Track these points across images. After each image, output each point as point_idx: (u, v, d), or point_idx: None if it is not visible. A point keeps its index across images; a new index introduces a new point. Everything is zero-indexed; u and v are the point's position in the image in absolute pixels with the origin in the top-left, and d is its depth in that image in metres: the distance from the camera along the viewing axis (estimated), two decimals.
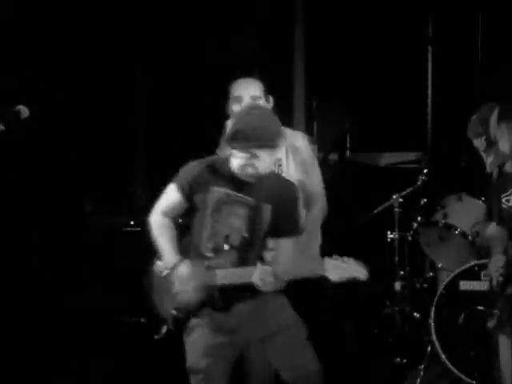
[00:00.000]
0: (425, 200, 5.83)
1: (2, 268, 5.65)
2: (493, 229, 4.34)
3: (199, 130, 6.73)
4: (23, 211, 6.05)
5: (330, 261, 3.62)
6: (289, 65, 7.29)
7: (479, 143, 4.26)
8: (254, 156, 3.76)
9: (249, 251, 3.84)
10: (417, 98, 6.99)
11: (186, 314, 3.87)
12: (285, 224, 3.86)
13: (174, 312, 3.87)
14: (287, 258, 3.83)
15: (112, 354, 5.52)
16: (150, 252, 5.50)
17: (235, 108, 4.37)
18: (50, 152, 6.24)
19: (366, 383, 5.44)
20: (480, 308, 4.35)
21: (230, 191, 3.84)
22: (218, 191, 3.83)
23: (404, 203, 5.75)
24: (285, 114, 4.54)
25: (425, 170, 5.75)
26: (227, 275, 3.79)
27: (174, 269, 3.86)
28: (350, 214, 6.26)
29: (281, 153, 3.98)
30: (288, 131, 4.43)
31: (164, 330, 3.93)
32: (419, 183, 5.72)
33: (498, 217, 4.28)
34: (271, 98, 4.45)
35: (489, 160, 4.22)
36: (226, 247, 3.83)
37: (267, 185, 3.87)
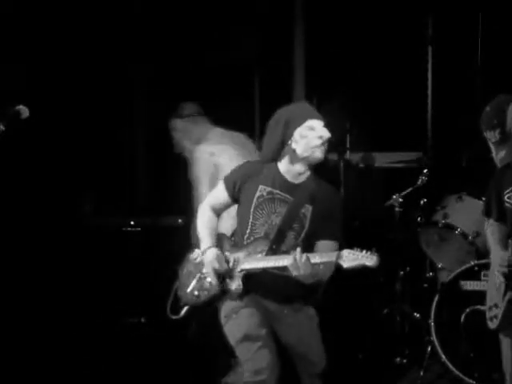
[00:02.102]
0: (425, 200, 5.82)
1: (2, 268, 5.65)
2: (492, 225, 4.27)
3: None
4: (23, 211, 6.04)
5: (346, 250, 3.74)
6: (289, 64, 7.30)
7: (492, 135, 4.13)
8: (311, 128, 3.99)
9: (278, 244, 3.98)
10: (417, 97, 6.98)
11: (207, 299, 4.09)
12: (325, 228, 3.97)
13: (195, 293, 4.10)
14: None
15: (112, 354, 5.52)
16: (150, 252, 5.52)
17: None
18: (49, 152, 6.24)
19: (366, 383, 5.44)
20: (482, 308, 4.29)
21: (273, 189, 4.03)
22: (263, 189, 4.03)
23: (404, 203, 5.74)
24: None
25: (425, 170, 5.74)
26: (255, 262, 3.97)
27: (203, 253, 4.09)
28: (349, 214, 6.26)
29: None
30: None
31: (183, 311, 4.13)
32: (419, 183, 5.71)
33: (496, 213, 4.19)
34: None
35: (500, 154, 4.12)
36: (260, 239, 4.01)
37: (311, 188, 4.03)
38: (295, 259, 3.78)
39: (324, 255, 3.81)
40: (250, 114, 7.13)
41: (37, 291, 5.88)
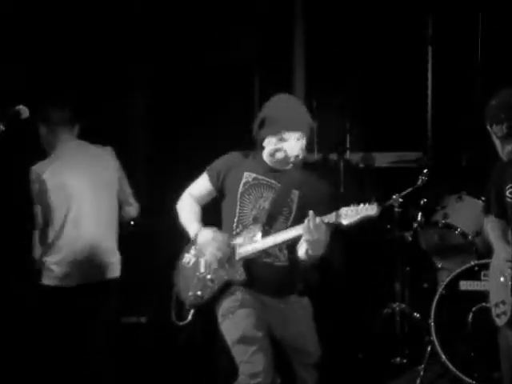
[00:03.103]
0: (425, 200, 5.82)
1: (2, 267, 5.65)
2: (493, 221, 4.24)
3: (200, 129, 6.73)
4: (23, 211, 6.03)
5: (344, 208, 3.72)
6: (289, 64, 7.30)
7: (499, 130, 4.07)
8: (282, 139, 3.97)
9: (269, 227, 3.97)
10: (417, 97, 6.98)
11: (212, 295, 4.04)
12: (314, 212, 3.91)
13: (198, 293, 4.04)
14: None
15: (112, 354, 5.51)
16: (149, 252, 5.51)
17: None
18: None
19: (365, 383, 5.44)
20: (488, 306, 4.27)
21: (259, 176, 4.04)
22: (248, 175, 4.04)
23: (404, 203, 5.74)
24: None
25: (425, 170, 5.74)
26: (254, 245, 3.95)
27: (197, 236, 4.06)
28: None
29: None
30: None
31: (190, 315, 4.09)
32: (419, 183, 5.70)
33: (497, 209, 4.18)
34: None
35: (507, 148, 4.08)
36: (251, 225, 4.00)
37: (297, 174, 4.05)
38: (309, 223, 3.75)
39: (322, 218, 3.76)
40: (249, 114, 7.12)
41: (35, 291, 5.87)
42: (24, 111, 3.88)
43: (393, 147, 7.09)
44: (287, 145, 3.98)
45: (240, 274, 3.99)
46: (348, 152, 7.06)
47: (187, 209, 4.18)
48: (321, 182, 4.12)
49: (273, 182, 4.04)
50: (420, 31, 6.94)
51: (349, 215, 3.69)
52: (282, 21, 7.17)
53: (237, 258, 3.99)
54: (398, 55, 6.90)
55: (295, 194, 4.02)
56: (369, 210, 3.68)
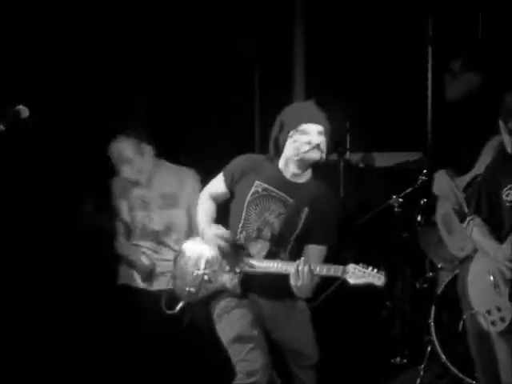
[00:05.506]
0: (425, 200, 5.82)
1: (1, 267, 5.65)
2: (479, 224, 4.11)
3: (200, 129, 6.73)
4: (22, 211, 6.04)
5: (352, 265, 3.71)
6: (289, 64, 7.30)
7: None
8: (304, 132, 3.94)
9: (278, 247, 3.97)
10: (417, 97, 6.98)
11: (205, 296, 4.08)
12: (317, 232, 3.96)
13: (192, 289, 4.07)
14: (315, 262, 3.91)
15: (112, 354, 5.51)
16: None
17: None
18: (49, 152, 6.23)
19: (366, 383, 5.44)
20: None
21: (270, 187, 4.00)
22: (259, 185, 4.02)
23: (404, 203, 5.74)
24: None
25: (425, 170, 5.74)
26: (256, 265, 3.96)
27: (203, 232, 4.09)
28: (349, 214, 6.26)
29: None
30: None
31: (179, 306, 4.12)
32: (419, 183, 5.70)
33: (486, 212, 4.08)
34: None
35: None
36: (258, 240, 3.99)
37: (310, 190, 4.01)
38: (298, 269, 3.77)
39: (329, 268, 3.78)
40: (249, 114, 7.13)
41: (35, 290, 5.87)
42: (24, 111, 3.88)
43: (393, 147, 7.09)
44: (310, 136, 3.95)
45: (235, 287, 3.99)
46: (348, 152, 7.06)
47: (203, 209, 4.21)
48: (331, 198, 4.10)
49: (283, 195, 4.01)
50: (420, 31, 6.94)
51: (356, 275, 3.69)
52: (282, 21, 7.17)
53: (238, 269, 3.99)
54: (397, 55, 6.90)
55: (304, 211, 3.99)
56: (375, 278, 3.68)
